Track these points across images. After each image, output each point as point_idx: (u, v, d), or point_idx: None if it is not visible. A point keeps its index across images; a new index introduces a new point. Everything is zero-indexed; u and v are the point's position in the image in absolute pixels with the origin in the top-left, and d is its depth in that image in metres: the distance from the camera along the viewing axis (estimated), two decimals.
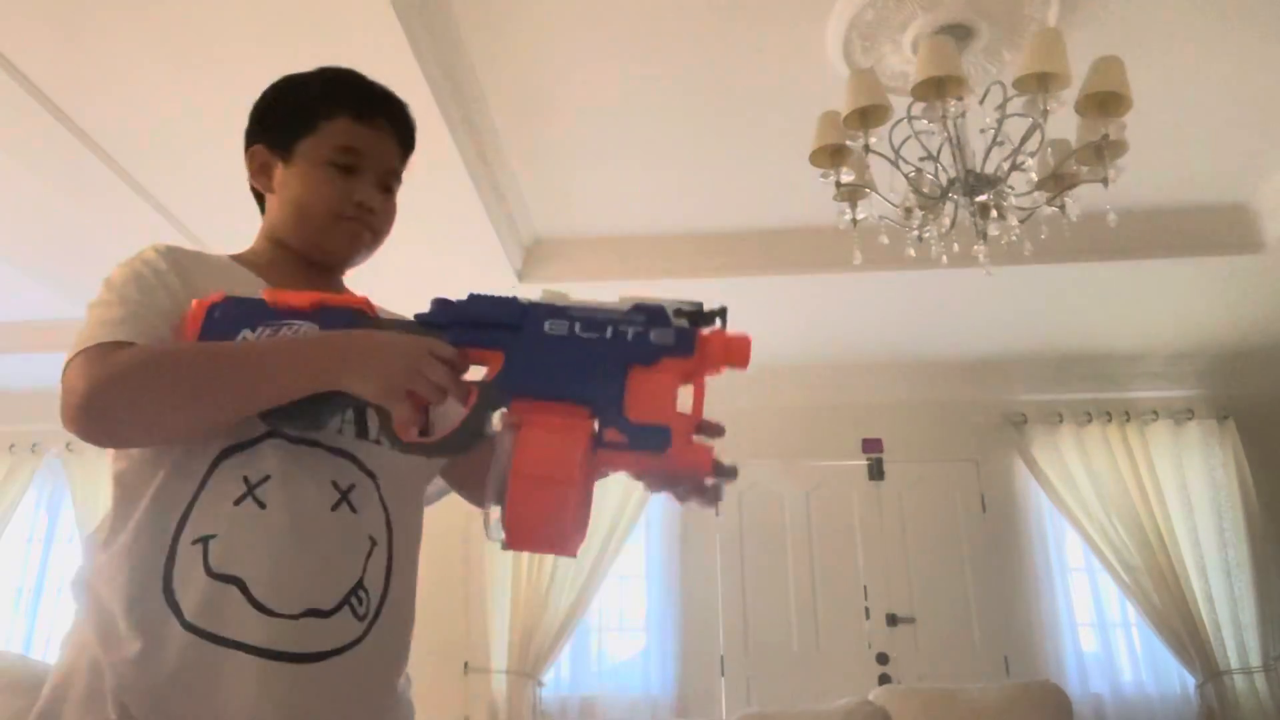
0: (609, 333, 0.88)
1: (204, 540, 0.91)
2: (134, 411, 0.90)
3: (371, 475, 1.01)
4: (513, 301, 0.92)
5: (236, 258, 1.11)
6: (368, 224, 1.11)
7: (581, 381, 0.87)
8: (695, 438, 0.85)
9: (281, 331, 0.93)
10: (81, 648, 0.92)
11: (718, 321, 0.89)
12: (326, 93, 1.12)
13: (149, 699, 0.88)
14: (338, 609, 0.94)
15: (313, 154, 1.09)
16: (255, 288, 1.00)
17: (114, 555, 0.93)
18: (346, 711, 0.95)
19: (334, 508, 0.97)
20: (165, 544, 0.91)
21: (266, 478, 0.94)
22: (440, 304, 0.95)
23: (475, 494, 1.17)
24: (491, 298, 0.94)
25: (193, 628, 0.89)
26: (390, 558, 1.02)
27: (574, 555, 0.86)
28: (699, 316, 0.89)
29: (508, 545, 0.83)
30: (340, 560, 0.97)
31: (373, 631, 0.98)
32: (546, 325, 0.89)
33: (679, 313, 0.89)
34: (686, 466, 0.84)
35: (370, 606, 0.98)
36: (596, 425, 0.85)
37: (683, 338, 0.87)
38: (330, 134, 1.09)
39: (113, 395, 0.88)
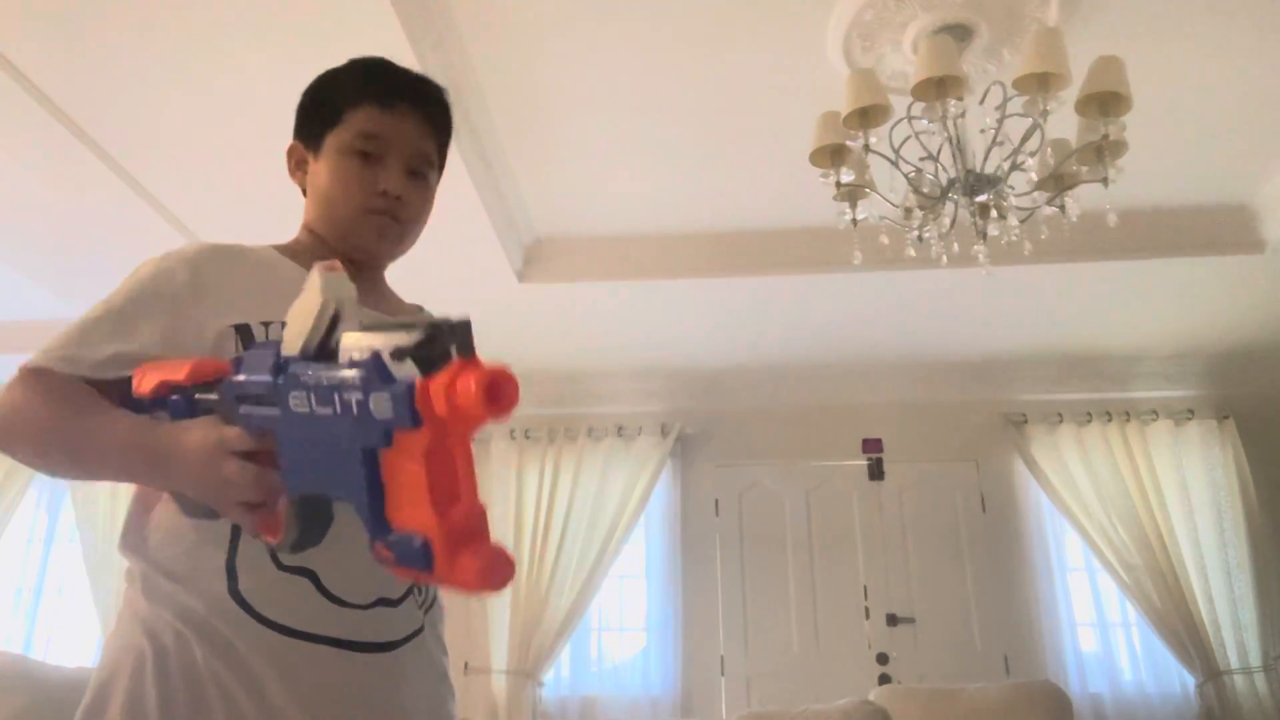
0: (338, 405, 0.64)
1: None
2: (14, 455, 0.96)
3: None
4: (271, 359, 0.72)
5: (280, 248, 1.12)
6: (394, 214, 1.09)
7: (333, 479, 0.66)
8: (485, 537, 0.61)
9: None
10: (125, 649, 0.93)
11: (453, 351, 0.58)
12: (351, 82, 1.12)
13: (226, 694, 0.88)
14: (404, 598, 0.98)
15: (337, 144, 1.09)
16: (297, 277, 0.98)
17: (175, 557, 0.94)
18: (422, 697, 0.98)
19: None
20: (225, 538, 0.92)
21: None
22: (219, 375, 0.80)
23: None
24: (252, 355, 0.76)
25: (269, 623, 0.89)
26: None
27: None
28: (427, 352, 0.58)
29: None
30: None
31: (428, 620, 1.02)
32: (291, 400, 0.69)
33: (398, 354, 0.59)
34: (455, 586, 0.60)
35: (428, 596, 1.02)
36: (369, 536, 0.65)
37: (400, 404, 0.58)
38: (353, 123, 1.09)
39: (2, 436, 0.96)
